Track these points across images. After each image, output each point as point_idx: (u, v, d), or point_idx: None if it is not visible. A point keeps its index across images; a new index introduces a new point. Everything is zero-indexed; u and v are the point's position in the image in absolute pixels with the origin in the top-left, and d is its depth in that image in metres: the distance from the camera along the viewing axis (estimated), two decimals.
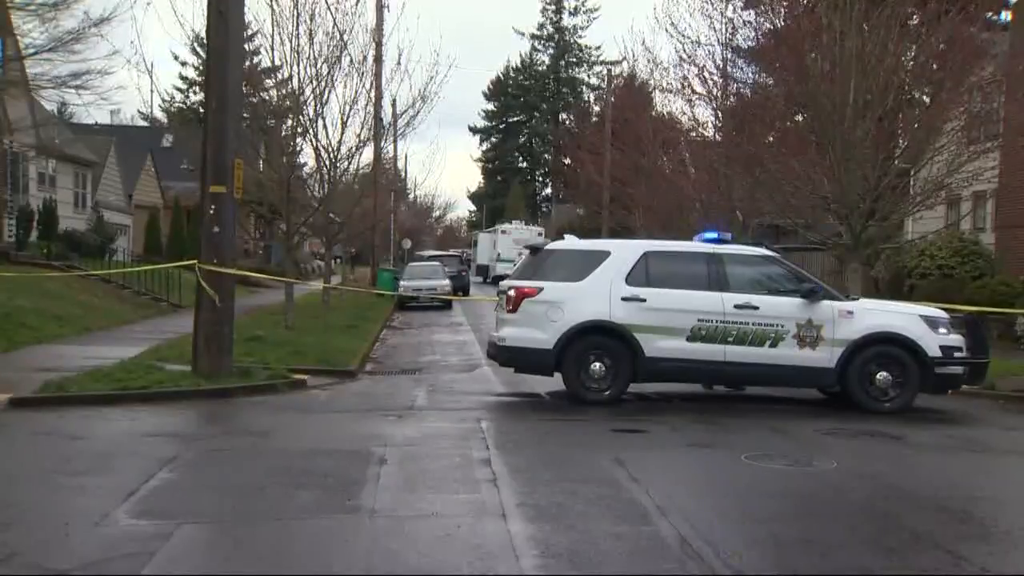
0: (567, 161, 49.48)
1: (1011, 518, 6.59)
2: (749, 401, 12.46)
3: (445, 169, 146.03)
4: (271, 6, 19.48)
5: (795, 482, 7.52)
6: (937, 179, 16.54)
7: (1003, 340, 18.06)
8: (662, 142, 26.08)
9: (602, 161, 33.68)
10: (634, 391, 12.03)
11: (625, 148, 28.61)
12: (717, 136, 23.61)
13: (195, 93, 53.40)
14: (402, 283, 33.97)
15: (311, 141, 21.05)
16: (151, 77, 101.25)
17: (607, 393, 11.40)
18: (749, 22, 20.54)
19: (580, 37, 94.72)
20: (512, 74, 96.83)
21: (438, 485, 7.09)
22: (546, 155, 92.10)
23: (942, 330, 11.40)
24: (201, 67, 45.75)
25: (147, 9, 49.68)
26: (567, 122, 77.44)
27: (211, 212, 12.25)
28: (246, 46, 23.56)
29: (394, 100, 29.01)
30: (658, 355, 11.32)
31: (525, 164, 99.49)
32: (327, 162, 21.50)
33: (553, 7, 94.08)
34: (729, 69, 22.27)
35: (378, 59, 26.40)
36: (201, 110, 23.90)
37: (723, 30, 21.12)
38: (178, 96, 55.95)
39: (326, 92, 20.33)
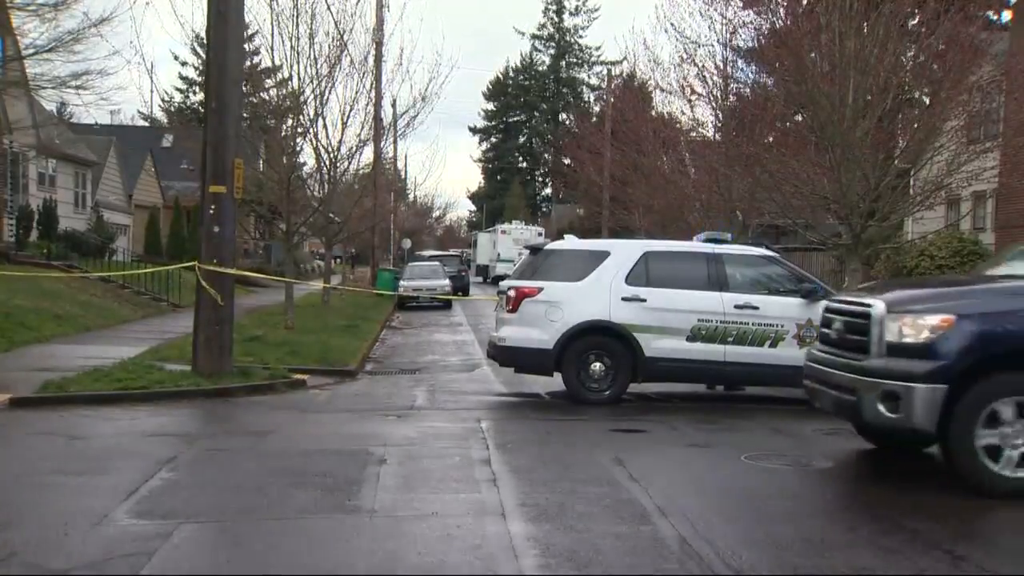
0: (567, 161, 49.44)
1: (1012, 518, 6.59)
2: (749, 401, 12.46)
3: (445, 169, 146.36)
4: (271, 6, 19.53)
5: (795, 482, 7.53)
6: (937, 179, 16.53)
7: None
8: (662, 142, 26.08)
9: (602, 161, 33.69)
10: (634, 391, 12.04)
11: (625, 148, 28.60)
12: (717, 136, 23.61)
13: (195, 93, 53.40)
14: (402, 283, 34.00)
15: (311, 141, 21.08)
16: (151, 77, 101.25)
17: (607, 393, 11.40)
18: (749, 22, 20.55)
19: (580, 37, 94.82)
20: (512, 74, 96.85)
21: (438, 485, 7.10)
22: (546, 155, 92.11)
23: None
24: (201, 67, 45.74)
25: (147, 9, 49.64)
26: (567, 122, 77.47)
27: (211, 212, 12.25)
28: (246, 46, 23.58)
29: (394, 100, 29.08)
30: (658, 355, 11.33)
31: (525, 164, 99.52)
32: (327, 162, 21.51)
33: (554, 7, 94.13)
34: (729, 69, 22.27)
35: (378, 59, 26.43)
36: (201, 110, 23.90)
37: (723, 30, 21.13)
38: (178, 96, 55.94)
39: (326, 92, 20.36)
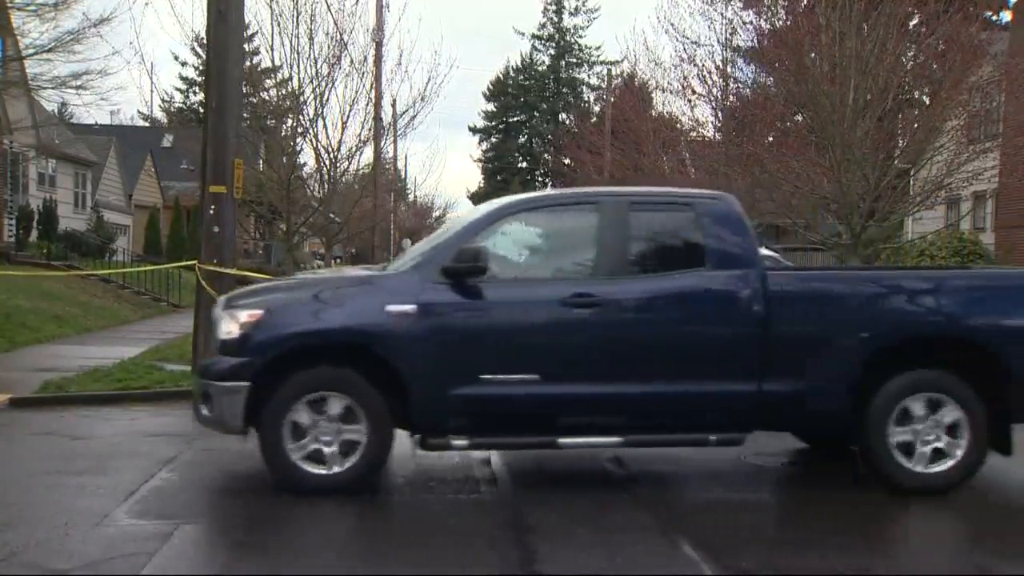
0: (567, 161, 49.47)
1: (1012, 517, 6.59)
2: None
3: (445, 169, 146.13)
4: (271, 6, 19.52)
5: (794, 482, 7.53)
6: (937, 179, 16.56)
7: None
8: (662, 142, 26.10)
9: (602, 161, 33.70)
10: None
11: (625, 148, 28.62)
12: (717, 136, 23.63)
13: (195, 93, 53.44)
14: None
15: (311, 141, 21.04)
16: (151, 77, 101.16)
17: None
18: (749, 22, 20.58)
19: (580, 37, 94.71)
20: (512, 74, 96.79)
21: (438, 485, 7.10)
22: (546, 155, 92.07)
23: None
24: (201, 67, 45.78)
25: (146, 9, 49.76)
26: (567, 122, 77.49)
27: (211, 212, 12.23)
28: (246, 46, 23.56)
29: (394, 100, 29.00)
30: None
31: (525, 164, 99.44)
32: (327, 162, 21.48)
33: (553, 7, 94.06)
34: (729, 69, 22.30)
35: (378, 60, 26.39)
36: (201, 110, 23.92)
37: (723, 30, 21.16)
38: (178, 96, 56.02)
39: (326, 92, 20.33)
